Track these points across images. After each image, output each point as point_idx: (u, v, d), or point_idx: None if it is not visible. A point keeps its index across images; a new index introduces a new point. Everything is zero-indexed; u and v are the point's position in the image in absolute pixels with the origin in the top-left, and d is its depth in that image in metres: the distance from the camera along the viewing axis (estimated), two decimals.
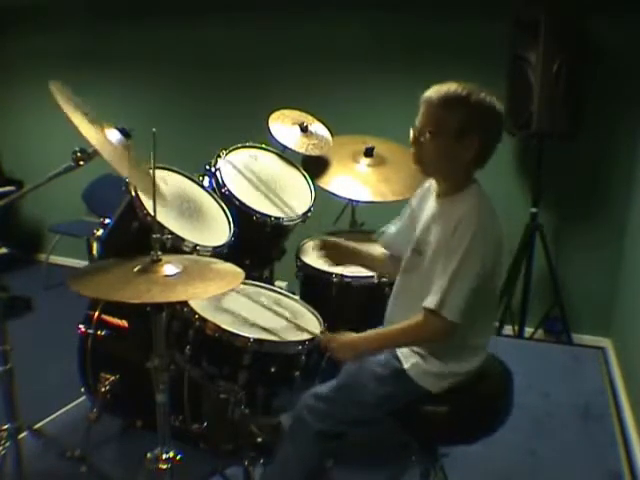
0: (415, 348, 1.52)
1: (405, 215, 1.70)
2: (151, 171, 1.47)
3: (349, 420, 1.56)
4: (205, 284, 1.39)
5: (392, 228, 1.76)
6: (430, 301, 1.39)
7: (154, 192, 1.46)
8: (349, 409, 1.55)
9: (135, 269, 1.39)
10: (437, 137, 1.45)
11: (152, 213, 1.50)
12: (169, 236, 1.81)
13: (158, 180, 1.65)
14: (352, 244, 1.85)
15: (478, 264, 1.38)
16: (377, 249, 1.82)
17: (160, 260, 1.42)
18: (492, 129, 1.46)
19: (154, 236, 1.43)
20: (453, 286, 1.37)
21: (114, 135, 1.76)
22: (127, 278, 1.36)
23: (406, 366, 1.52)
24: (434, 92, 1.46)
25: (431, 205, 1.57)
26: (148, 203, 1.87)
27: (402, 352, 1.55)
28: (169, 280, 1.37)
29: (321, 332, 1.64)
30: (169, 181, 2.12)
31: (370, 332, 1.55)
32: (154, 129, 1.37)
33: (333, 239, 1.90)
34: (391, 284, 2.15)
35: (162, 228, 1.79)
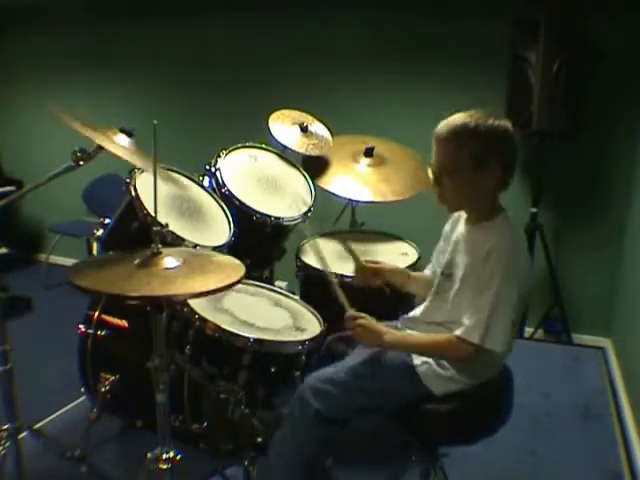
0: None
1: (441, 240, 1.71)
2: (159, 167, 1.47)
3: (351, 406, 1.55)
4: (206, 277, 1.38)
5: (433, 256, 1.76)
6: (466, 332, 1.40)
7: (155, 191, 1.46)
8: (353, 395, 1.54)
9: (135, 262, 1.39)
10: (455, 175, 1.45)
11: (152, 213, 1.50)
12: (170, 234, 1.81)
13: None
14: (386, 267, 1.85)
15: (515, 294, 1.39)
16: (426, 275, 1.81)
17: (160, 253, 1.42)
18: (508, 151, 1.46)
19: (154, 229, 1.43)
20: (494, 317, 1.38)
21: (122, 139, 1.77)
22: (128, 271, 1.36)
23: (416, 362, 1.54)
24: (444, 128, 1.45)
25: (461, 229, 1.58)
26: (148, 203, 1.87)
27: None
28: (169, 273, 1.36)
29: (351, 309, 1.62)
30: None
31: (397, 333, 1.57)
32: (155, 121, 1.37)
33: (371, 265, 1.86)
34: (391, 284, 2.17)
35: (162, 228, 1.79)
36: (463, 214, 1.60)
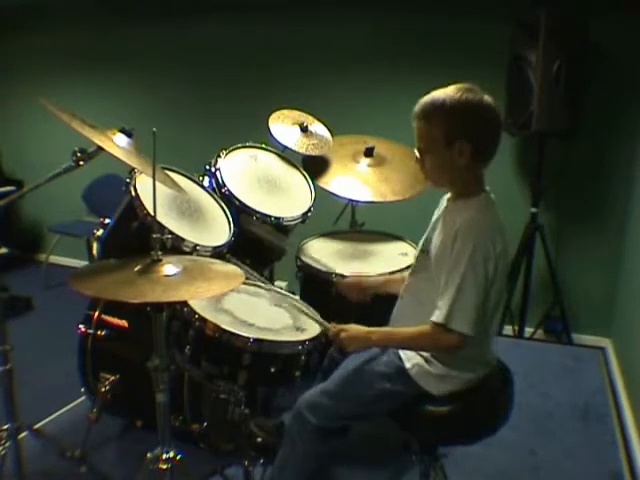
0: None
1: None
2: (159, 168, 1.48)
3: (348, 415, 1.56)
4: (208, 283, 1.39)
5: None
6: (437, 315, 1.39)
7: (154, 192, 1.46)
8: (349, 404, 1.55)
9: (135, 269, 1.39)
10: (429, 151, 1.46)
11: (152, 213, 1.50)
12: (169, 236, 1.81)
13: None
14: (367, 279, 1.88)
15: (482, 274, 1.37)
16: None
17: (161, 260, 1.42)
18: (479, 127, 1.42)
19: (154, 236, 1.43)
20: (460, 298, 1.36)
21: (121, 139, 1.77)
22: (129, 278, 1.36)
23: (408, 365, 1.53)
24: (417, 106, 1.46)
25: (442, 206, 1.58)
26: (148, 203, 1.87)
27: (405, 352, 1.56)
28: (171, 280, 1.37)
29: (328, 325, 1.63)
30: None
31: (381, 330, 1.56)
32: (154, 129, 1.37)
33: (351, 279, 1.90)
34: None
35: (162, 228, 1.79)
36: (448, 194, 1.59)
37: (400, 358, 1.55)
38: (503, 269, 1.44)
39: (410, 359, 1.54)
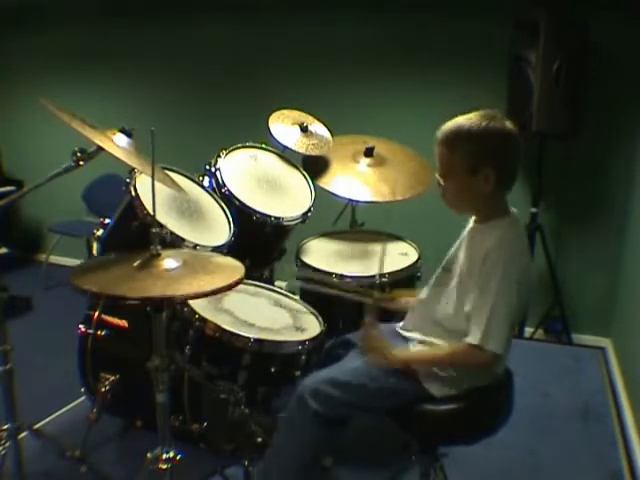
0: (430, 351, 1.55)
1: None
2: (158, 168, 1.48)
3: (350, 405, 1.55)
4: (210, 276, 1.39)
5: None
6: (474, 337, 1.40)
7: (153, 192, 1.46)
8: (353, 394, 1.54)
9: (135, 264, 1.38)
10: (452, 178, 1.46)
11: (152, 213, 1.50)
12: (169, 236, 1.81)
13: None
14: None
15: (514, 295, 1.39)
16: None
17: (160, 255, 1.42)
18: (504, 155, 1.44)
19: (153, 230, 1.43)
20: (493, 319, 1.38)
21: (121, 139, 1.77)
22: (129, 273, 1.36)
23: (414, 365, 1.54)
24: (440, 132, 1.46)
25: (468, 227, 1.59)
26: (148, 203, 1.87)
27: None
28: (173, 274, 1.37)
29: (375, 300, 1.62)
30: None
31: (413, 354, 1.58)
32: (153, 128, 1.37)
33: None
34: (391, 284, 2.18)
35: (162, 228, 1.79)
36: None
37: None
38: (527, 288, 1.47)
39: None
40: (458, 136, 1.42)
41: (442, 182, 1.49)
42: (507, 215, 1.50)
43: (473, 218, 1.58)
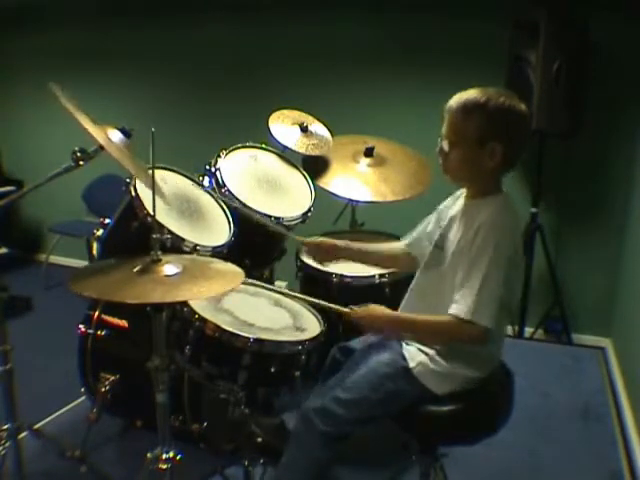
0: (423, 347, 1.54)
1: (432, 217, 1.71)
2: (146, 169, 1.47)
3: (357, 421, 1.55)
4: (209, 282, 1.39)
5: (419, 227, 1.78)
6: (461, 309, 1.39)
7: (154, 192, 1.46)
8: (357, 410, 1.54)
9: (135, 269, 1.39)
10: (459, 146, 1.45)
11: (152, 213, 1.50)
12: (169, 236, 1.81)
13: (157, 179, 1.66)
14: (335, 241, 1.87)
15: (503, 271, 1.39)
16: (395, 245, 1.86)
17: (160, 260, 1.42)
18: (515, 134, 1.44)
19: (154, 236, 1.43)
20: (483, 292, 1.37)
21: (116, 135, 1.77)
22: (129, 279, 1.36)
23: (411, 365, 1.53)
24: (455, 100, 1.46)
25: (459, 204, 1.58)
26: (148, 203, 1.87)
27: (409, 351, 1.56)
28: (173, 280, 1.37)
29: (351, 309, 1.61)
30: (168, 180, 2.12)
31: (404, 315, 1.57)
32: (153, 129, 1.37)
33: (314, 239, 1.90)
34: (391, 284, 2.18)
35: (162, 228, 1.79)
36: (464, 192, 1.60)
37: (404, 357, 1.55)
38: (519, 267, 1.46)
39: (414, 358, 1.54)
40: (476, 105, 1.42)
41: (446, 148, 1.47)
42: (501, 193, 1.49)
43: (462, 195, 1.58)
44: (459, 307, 1.40)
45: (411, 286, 1.66)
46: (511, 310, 1.56)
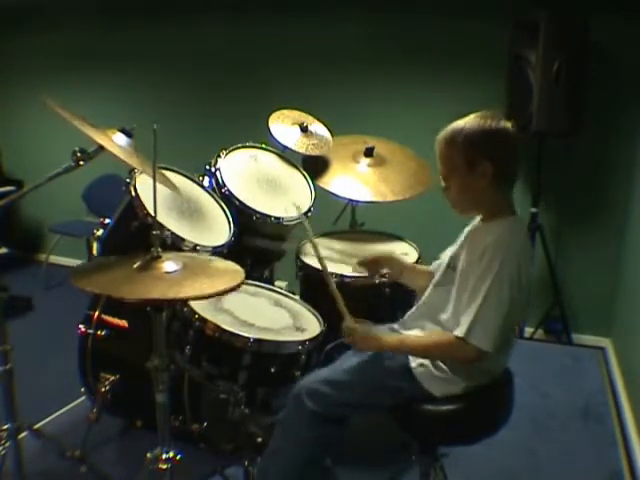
0: None
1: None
2: (157, 168, 1.48)
3: (348, 404, 1.56)
4: (211, 280, 1.39)
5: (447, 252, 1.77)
6: (460, 330, 1.41)
7: (154, 192, 1.46)
8: (350, 393, 1.55)
9: (135, 266, 1.38)
10: (453, 176, 1.50)
11: (152, 213, 1.50)
12: (168, 234, 1.81)
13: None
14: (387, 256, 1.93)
15: (507, 295, 1.39)
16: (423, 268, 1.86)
17: (160, 257, 1.42)
18: (500, 150, 1.46)
19: (154, 232, 1.43)
20: (482, 314, 1.38)
21: (120, 138, 1.77)
22: (129, 275, 1.36)
23: (413, 365, 1.54)
24: (440, 134, 1.51)
25: (472, 225, 1.61)
26: (148, 203, 1.87)
27: None
28: (174, 277, 1.37)
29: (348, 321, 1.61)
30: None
31: (398, 338, 1.59)
32: (155, 126, 1.37)
33: (372, 256, 1.93)
34: (391, 284, 2.18)
35: (162, 228, 1.79)
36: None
37: (406, 356, 1.56)
38: (526, 289, 1.46)
39: (416, 358, 1.55)
40: (455, 134, 1.46)
41: (444, 184, 1.52)
42: (511, 215, 1.51)
43: (479, 218, 1.60)
44: (459, 328, 1.42)
45: (421, 300, 1.67)
46: (514, 330, 1.57)
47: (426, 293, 1.65)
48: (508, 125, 1.47)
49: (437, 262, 1.77)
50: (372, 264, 1.92)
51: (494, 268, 1.39)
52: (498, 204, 1.51)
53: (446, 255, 1.70)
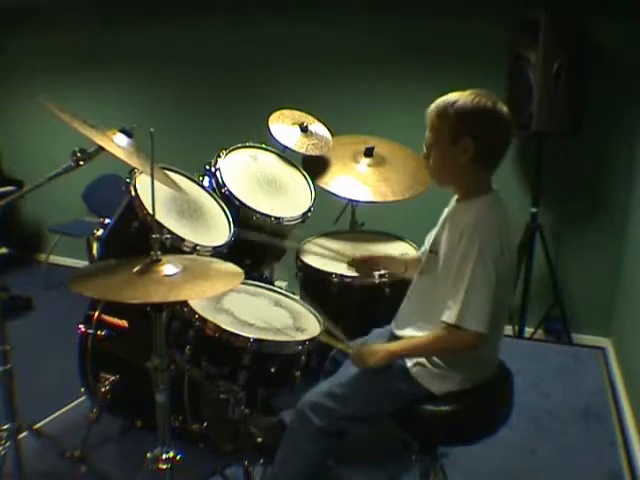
0: None
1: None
2: (159, 169, 1.48)
3: (351, 417, 1.56)
4: (210, 282, 1.39)
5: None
6: (448, 315, 1.40)
7: (153, 192, 1.46)
8: (353, 406, 1.55)
9: (135, 270, 1.38)
10: (436, 147, 1.50)
11: (152, 213, 1.50)
12: (168, 236, 1.81)
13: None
14: (378, 256, 1.96)
15: (492, 273, 1.38)
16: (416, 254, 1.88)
17: (160, 260, 1.42)
18: (485, 129, 1.45)
19: (154, 236, 1.43)
20: (469, 296, 1.38)
21: (121, 138, 1.77)
22: (129, 279, 1.36)
23: (409, 365, 1.54)
24: (432, 105, 1.51)
25: (450, 207, 1.60)
26: (148, 203, 1.87)
27: None
28: (174, 280, 1.37)
29: (351, 348, 1.64)
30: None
31: (397, 345, 1.57)
32: (152, 129, 1.37)
33: (361, 255, 1.97)
34: (391, 284, 2.18)
35: (162, 228, 1.79)
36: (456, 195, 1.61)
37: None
38: (510, 267, 1.45)
39: (412, 358, 1.54)
40: (446, 106, 1.47)
41: (426, 152, 1.53)
42: (487, 194, 1.50)
43: (455, 198, 1.59)
44: (448, 313, 1.41)
45: (408, 292, 1.67)
46: (505, 312, 1.56)
47: (412, 283, 1.65)
48: (501, 107, 1.46)
49: (423, 248, 1.77)
50: (360, 264, 1.93)
51: (474, 251, 1.38)
52: (476, 182, 1.51)
53: (428, 241, 1.69)
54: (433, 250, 1.56)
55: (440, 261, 1.51)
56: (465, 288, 1.38)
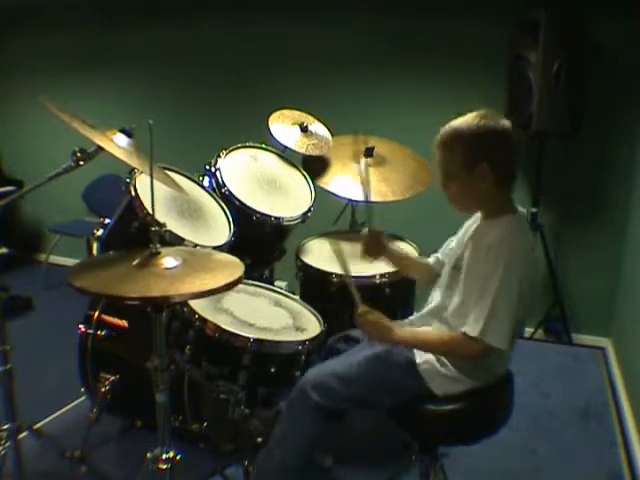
0: None
1: (459, 233, 1.71)
2: (159, 169, 1.48)
3: (352, 399, 1.57)
4: (211, 274, 1.38)
5: (443, 246, 1.78)
6: (471, 328, 1.41)
7: (152, 189, 1.46)
8: (355, 388, 1.56)
9: (134, 263, 1.37)
10: (453, 179, 1.49)
11: (152, 213, 1.50)
12: (168, 234, 1.81)
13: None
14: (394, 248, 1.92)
15: (515, 292, 1.39)
16: (427, 260, 1.85)
17: (160, 253, 1.41)
18: (498, 151, 1.45)
19: (153, 229, 1.42)
20: (494, 312, 1.38)
21: (121, 139, 1.77)
22: (129, 272, 1.35)
23: (418, 360, 1.54)
24: (438, 136, 1.50)
25: (475, 224, 1.60)
26: (148, 203, 1.87)
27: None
28: (174, 273, 1.36)
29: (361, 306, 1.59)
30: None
31: (410, 331, 1.58)
32: (150, 121, 1.37)
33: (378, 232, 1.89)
34: (391, 284, 2.18)
35: (161, 227, 1.78)
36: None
37: (412, 351, 1.56)
38: (532, 288, 1.46)
39: (422, 355, 1.55)
40: (453, 137, 1.46)
41: (444, 186, 1.51)
42: (512, 213, 1.51)
43: (479, 215, 1.59)
44: (472, 326, 1.41)
45: (430, 304, 1.66)
46: (521, 328, 1.58)
47: (435, 295, 1.65)
48: (504, 123, 1.45)
49: (435, 256, 1.78)
50: (374, 239, 1.86)
51: (500, 268, 1.38)
52: (499, 203, 1.51)
53: (446, 253, 1.70)
54: (456, 267, 1.57)
55: (462, 276, 1.51)
56: (490, 303, 1.39)
